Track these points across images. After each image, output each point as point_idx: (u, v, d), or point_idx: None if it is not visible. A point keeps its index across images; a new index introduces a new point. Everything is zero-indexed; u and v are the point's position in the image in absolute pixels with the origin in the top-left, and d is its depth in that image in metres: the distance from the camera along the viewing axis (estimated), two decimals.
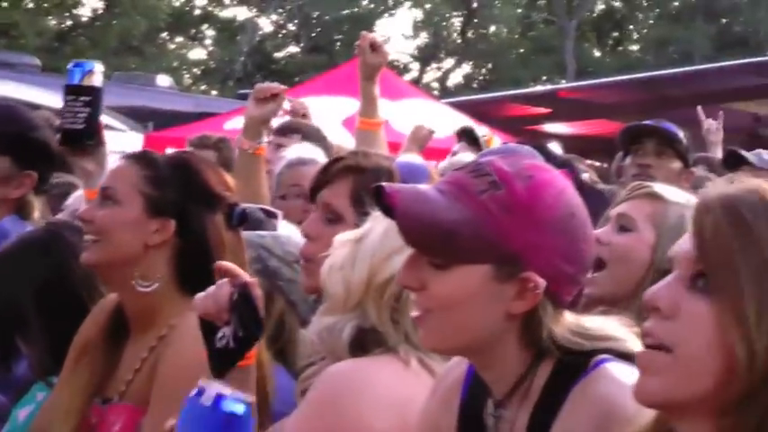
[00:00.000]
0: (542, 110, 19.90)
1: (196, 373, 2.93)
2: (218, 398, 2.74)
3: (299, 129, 6.92)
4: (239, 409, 2.72)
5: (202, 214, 3.68)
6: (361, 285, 3.21)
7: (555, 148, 14.06)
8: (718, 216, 2.09)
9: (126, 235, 3.67)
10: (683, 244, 2.15)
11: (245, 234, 3.88)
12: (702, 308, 2.07)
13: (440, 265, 2.60)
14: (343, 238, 3.35)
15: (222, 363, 2.90)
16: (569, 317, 2.67)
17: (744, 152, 7.46)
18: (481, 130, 8.81)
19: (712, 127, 8.99)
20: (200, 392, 2.75)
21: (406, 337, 3.15)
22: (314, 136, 6.72)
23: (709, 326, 2.06)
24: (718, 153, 8.54)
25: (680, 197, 3.84)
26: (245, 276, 2.95)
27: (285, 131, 6.86)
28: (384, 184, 2.66)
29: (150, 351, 3.62)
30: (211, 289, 2.91)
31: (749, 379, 2.02)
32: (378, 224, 3.23)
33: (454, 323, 2.63)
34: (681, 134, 6.17)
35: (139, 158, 3.82)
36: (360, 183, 3.91)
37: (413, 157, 5.56)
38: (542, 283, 2.57)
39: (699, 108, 9.17)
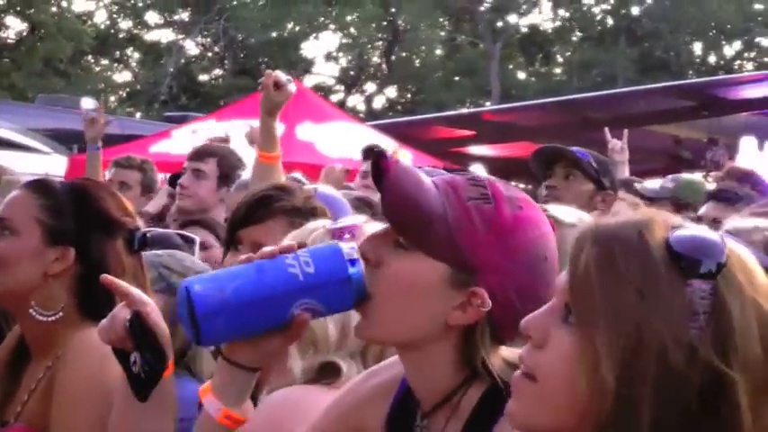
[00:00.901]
0: (467, 132, 19.99)
1: (93, 391, 3.04)
2: None
3: (215, 153, 6.89)
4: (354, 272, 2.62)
5: (102, 241, 3.65)
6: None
7: (479, 170, 14.13)
8: (589, 251, 2.09)
9: (25, 265, 3.63)
10: (563, 274, 2.15)
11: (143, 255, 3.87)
12: (566, 341, 2.07)
13: (403, 246, 2.61)
14: None
15: (141, 386, 2.91)
16: (505, 349, 2.65)
17: (637, 185, 7.61)
18: (387, 145, 8.84)
19: (616, 147, 9.00)
20: (352, 249, 2.67)
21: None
22: (229, 160, 6.70)
23: (570, 360, 2.05)
24: (624, 173, 8.70)
25: (575, 219, 3.81)
26: (139, 299, 2.96)
27: (201, 156, 6.86)
28: (383, 152, 2.71)
29: (46, 371, 3.57)
30: (109, 316, 2.92)
31: (598, 417, 2.02)
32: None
33: (395, 312, 2.63)
34: (590, 157, 6.15)
35: (36, 187, 3.78)
36: (293, 222, 3.92)
37: (333, 191, 5.55)
38: (488, 302, 2.58)
39: (606, 129, 9.30)
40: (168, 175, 8.11)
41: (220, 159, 6.68)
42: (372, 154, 2.70)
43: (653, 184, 8.14)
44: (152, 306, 2.96)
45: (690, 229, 2.08)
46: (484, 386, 2.62)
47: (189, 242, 4.93)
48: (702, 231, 2.09)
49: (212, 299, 2.51)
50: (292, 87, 5.86)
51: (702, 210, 6.82)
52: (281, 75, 5.77)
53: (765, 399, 2.02)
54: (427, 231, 2.60)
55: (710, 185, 8.62)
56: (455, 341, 2.63)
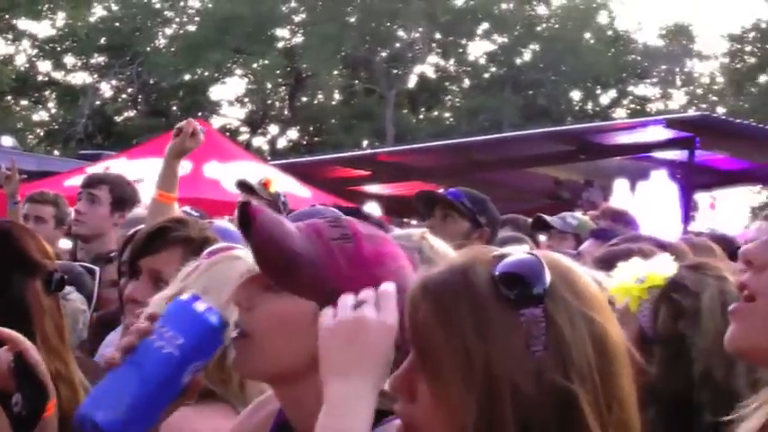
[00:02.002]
0: (363, 172, 20.04)
1: None
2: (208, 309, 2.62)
3: (108, 180, 6.84)
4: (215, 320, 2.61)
5: (22, 281, 3.53)
6: None
7: (374, 208, 14.11)
8: (423, 308, 2.08)
9: None
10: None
11: None
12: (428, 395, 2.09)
13: (273, 289, 2.62)
14: (162, 295, 3.32)
15: (21, 427, 2.88)
16: None
17: (548, 217, 7.59)
18: (258, 176, 8.79)
19: None
20: (195, 298, 2.63)
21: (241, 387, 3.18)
22: (122, 186, 6.63)
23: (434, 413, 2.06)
24: None
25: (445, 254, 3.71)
26: (22, 342, 2.94)
27: (94, 183, 6.81)
28: (250, 203, 2.71)
29: None
30: None
31: None
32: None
33: (269, 350, 2.64)
34: (464, 198, 6.21)
35: None
36: (189, 252, 3.86)
37: (227, 224, 5.54)
38: None
39: None
40: None
41: (113, 186, 6.62)
42: (239, 203, 2.71)
43: (556, 219, 8.13)
44: (32, 347, 2.95)
45: (510, 257, 2.09)
46: None
47: (91, 273, 4.88)
48: (522, 257, 2.09)
49: (116, 422, 2.46)
50: (203, 137, 5.83)
51: (583, 246, 6.88)
52: (197, 124, 5.74)
53: (608, 404, 2.05)
54: (295, 274, 2.59)
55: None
56: None
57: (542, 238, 7.87)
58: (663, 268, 2.84)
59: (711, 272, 2.97)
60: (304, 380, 2.65)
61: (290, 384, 2.69)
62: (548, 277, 2.06)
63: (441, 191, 6.59)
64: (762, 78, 46.77)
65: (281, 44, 47.41)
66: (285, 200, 8.23)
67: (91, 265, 4.84)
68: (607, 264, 3.35)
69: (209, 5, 47.24)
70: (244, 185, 8.49)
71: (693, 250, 4.60)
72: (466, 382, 1.99)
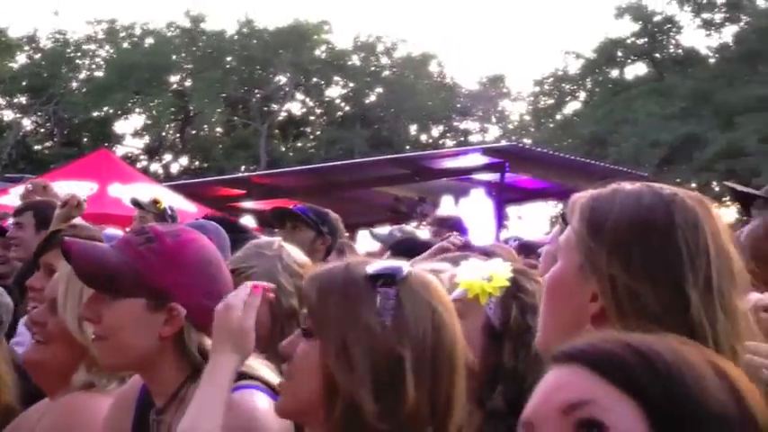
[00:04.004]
0: (240, 191, 19.87)
1: None
2: None
3: (30, 206, 6.68)
4: None
5: None
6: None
7: (249, 220, 14.01)
8: (312, 290, 2.22)
9: None
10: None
11: None
12: (309, 351, 2.19)
13: (109, 299, 2.66)
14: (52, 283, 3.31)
15: None
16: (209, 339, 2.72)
17: (375, 230, 7.77)
18: (152, 195, 8.71)
19: None
20: None
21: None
22: (43, 209, 6.50)
23: (314, 363, 2.17)
24: None
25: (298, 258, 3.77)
26: None
27: (20, 212, 6.67)
28: (66, 237, 2.83)
29: None
30: None
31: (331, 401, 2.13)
32: None
33: (121, 345, 2.67)
34: (309, 212, 6.26)
35: None
36: None
37: (116, 231, 5.53)
38: (183, 311, 2.66)
39: None
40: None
41: (35, 211, 6.48)
42: (57, 238, 2.81)
43: (382, 230, 8.16)
44: None
45: (381, 262, 2.27)
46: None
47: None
48: (389, 263, 2.21)
49: None
50: (85, 206, 6.02)
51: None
52: (80, 197, 5.79)
53: (434, 373, 2.17)
54: (117, 281, 2.65)
55: (422, 231, 8.77)
56: (172, 348, 2.69)
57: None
58: (502, 270, 2.84)
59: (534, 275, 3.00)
60: (155, 362, 2.69)
61: (145, 368, 2.72)
62: (403, 273, 2.20)
63: (291, 206, 6.59)
64: (557, 116, 47.50)
65: (173, 87, 46.83)
66: (173, 213, 8.06)
67: None
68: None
69: (114, 55, 46.51)
70: (136, 203, 8.38)
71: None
72: (328, 326, 2.15)
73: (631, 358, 1.36)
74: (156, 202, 8.18)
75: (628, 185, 1.98)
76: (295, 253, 3.65)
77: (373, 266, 2.21)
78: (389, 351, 2.11)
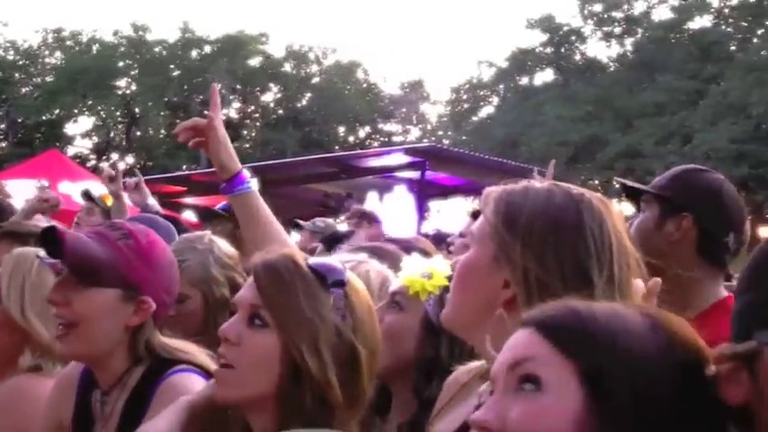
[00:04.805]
0: (181, 188, 19.69)
1: None
2: None
3: None
4: None
5: None
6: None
7: (190, 215, 13.89)
8: (272, 286, 2.14)
9: None
10: (246, 291, 2.19)
11: None
12: (259, 339, 2.12)
13: (83, 286, 2.60)
14: None
15: None
16: (160, 336, 2.72)
17: (302, 222, 7.85)
18: (99, 191, 8.56)
19: None
20: None
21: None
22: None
23: (267, 350, 2.10)
24: None
25: (227, 251, 3.75)
26: None
27: None
28: (56, 226, 2.70)
29: None
30: None
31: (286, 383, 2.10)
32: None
33: (90, 333, 2.60)
34: (229, 207, 6.36)
35: None
36: (18, 242, 3.80)
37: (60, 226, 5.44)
38: (153, 304, 2.64)
39: None
40: None
41: None
42: (49, 228, 2.73)
43: (308, 224, 8.20)
44: None
45: (318, 258, 2.20)
46: (145, 366, 2.65)
47: None
48: (326, 259, 2.19)
49: None
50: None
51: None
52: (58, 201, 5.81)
53: (373, 358, 2.18)
54: (97, 270, 2.60)
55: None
56: (128, 338, 2.65)
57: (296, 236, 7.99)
58: (442, 268, 2.80)
59: None
60: (112, 351, 2.65)
61: (101, 357, 2.66)
62: (346, 274, 2.19)
63: (217, 206, 6.62)
64: (473, 119, 47.80)
65: (119, 92, 46.43)
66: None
67: None
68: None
69: (64, 62, 46.01)
70: (87, 194, 8.25)
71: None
72: (300, 326, 2.08)
73: (569, 321, 1.44)
74: (104, 198, 8.05)
75: (537, 183, 2.01)
76: (224, 246, 3.64)
77: (318, 265, 2.18)
78: (351, 347, 2.12)
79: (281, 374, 2.08)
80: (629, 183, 3.59)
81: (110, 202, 7.80)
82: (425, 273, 2.80)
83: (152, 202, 6.90)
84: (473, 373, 2.20)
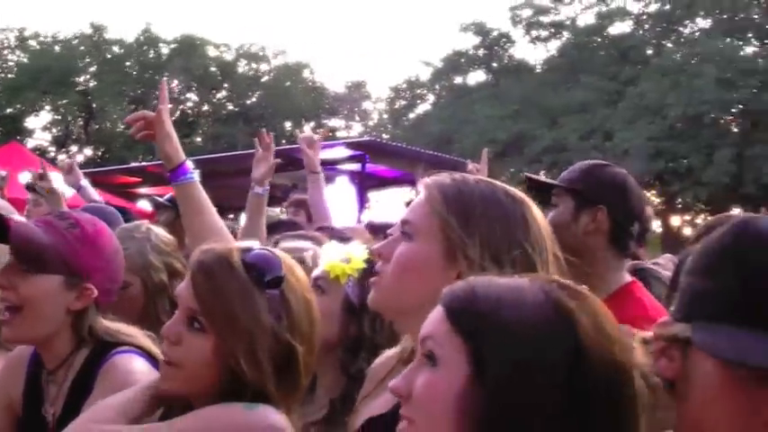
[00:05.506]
0: (137, 179, 19.56)
1: None
2: None
3: None
4: None
5: None
6: None
7: (145, 204, 13.73)
8: (200, 282, 2.07)
9: None
10: (184, 291, 2.11)
11: None
12: (198, 341, 2.06)
13: (29, 272, 2.56)
14: None
15: None
16: (103, 320, 2.68)
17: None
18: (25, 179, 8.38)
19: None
20: None
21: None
22: None
23: (207, 352, 2.05)
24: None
25: (165, 238, 3.72)
26: None
27: None
28: (3, 213, 2.68)
29: None
30: None
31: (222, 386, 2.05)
32: None
33: (35, 316, 2.57)
34: (165, 199, 6.56)
35: None
36: None
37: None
38: (95, 291, 2.60)
39: None
40: None
41: None
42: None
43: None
44: None
45: (256, 251, 2.11)
46: (89, 348, 2.62)
47: None
48: (263, 251, 2.12)
49: None
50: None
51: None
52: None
53: (310, 354, 2.12)
54: (43, 257, 2.56)
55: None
56: (71, 322, 2.62)
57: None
58: (359, 253, 2.81)
59: None
60: (56, 334, 2.61)
61: (45, 340, 2.63)
62: (282, 269, 2.10)
63: (165, 197, 6.68)
64: (411, 115, 47.90)
65: (79, 87, 45.77)
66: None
67: None
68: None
69: (25, 60, 45.37)
70: (30, 187, 8.08)
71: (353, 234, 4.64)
72: (237, 334, 2.01)
73: (465, 300, 1.43)
74: (48, 190, 7.89)
75: (471, 177, 2.00)
76: (161, 233, 3.62)
77: (255, 261, 2.10)
78: (287, 346, 2.06)
79: (219, 375, 2.04)
80: (537, 177, 3.59)
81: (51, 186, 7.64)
82: (344, 258, 2.81)
83: (85, 183, 6.83)
84: (396, 358, 2.18)
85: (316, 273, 2.79)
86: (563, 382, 1.34)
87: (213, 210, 3.10)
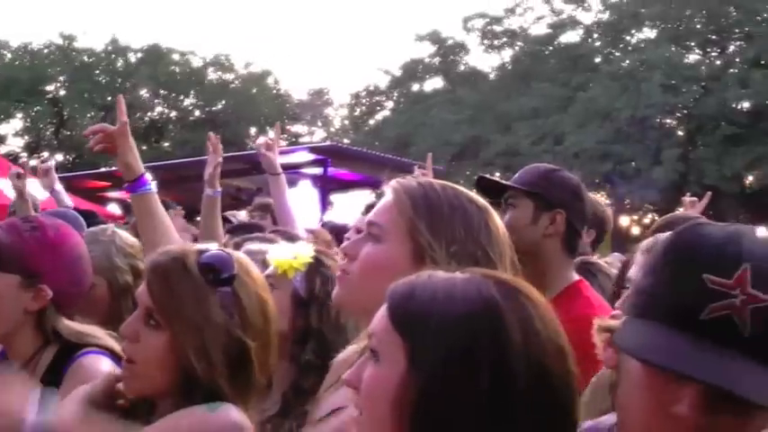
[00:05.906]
0: (107, 183, 19.43)
1: None
2: None
3: None
4: None
5: None
6: None
7: (114, 207, 13.61)
8: (153, 281, 2.06)
9: None
10: (142, 291, 2.10)
11: None
12: (154, 337, 2.05)
13: None
14: None
15: None
16: (69, 322, 2.67)
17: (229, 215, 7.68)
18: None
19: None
20: None
21: None
22: None
23: (159, 349, 2.04)
24: None
25: (129, 241, 3.72)
26: None
27: None
28: None
29: None
30: None
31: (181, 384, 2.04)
32: None
33: None
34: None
35: None
36: None
37: None
38: (50, 292, 2.59)
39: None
40: None
41: None
42: None
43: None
44: None
45: (210, 252, 2.10)
46: (55, 349, 2.62)
47: None
48: (218, 252, 2.11)
49: None
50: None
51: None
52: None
53: (265, 350, 2.09)
54: (2, 258, 2.57)
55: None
56: (33, 322, 2.61)
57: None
58: (305, 250, 2.88)
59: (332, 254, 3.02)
60: (16, 332, 2.62)
61: (7, 337, 2.63)
62: (235, 266, 2.07)
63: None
64: (371, 121, 47.93)
65: (49, 96, 45.42)
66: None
67: None
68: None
69: None
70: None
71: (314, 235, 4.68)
72: (188, 331, 1.99)
73: (403, 298, 1.44)
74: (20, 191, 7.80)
75: (437, 184, 2.00)
76: (126, 236, 3.63)
77: (209, 261, 2.08)
78: (239, 342, 2.04)
79: (174, 372, 2.03)
80: (490, 177, 3.57)
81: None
82: (291, 255, 2.87)
83: (59, 188, 6.77)
84: (359, 352, 2.18)
85: (266, 272, 2.81)
86: (488, 377, 1.34)
87: (168, 219, 3.14)
